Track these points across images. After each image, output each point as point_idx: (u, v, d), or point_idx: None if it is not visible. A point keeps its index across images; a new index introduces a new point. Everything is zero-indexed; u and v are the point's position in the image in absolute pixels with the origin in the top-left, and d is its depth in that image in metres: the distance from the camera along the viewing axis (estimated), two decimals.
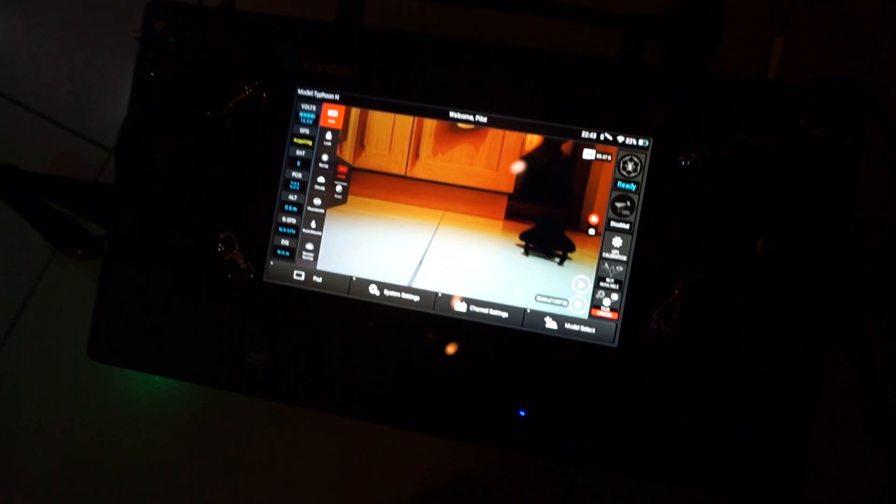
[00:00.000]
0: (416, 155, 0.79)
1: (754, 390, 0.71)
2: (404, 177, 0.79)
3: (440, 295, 0.79)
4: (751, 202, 0.72)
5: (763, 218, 0.72)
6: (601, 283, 0.79)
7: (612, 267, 0.78)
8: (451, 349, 0.77)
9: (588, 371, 0.76)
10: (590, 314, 0.79)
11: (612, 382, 0.75)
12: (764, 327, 0.72)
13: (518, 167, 0.78)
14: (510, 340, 0.78)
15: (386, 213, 0.78)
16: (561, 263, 0.80)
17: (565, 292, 0.79)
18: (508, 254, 0.79)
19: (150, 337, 0.78)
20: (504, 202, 0.79)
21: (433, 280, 0.80)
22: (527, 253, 0.79)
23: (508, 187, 0.80)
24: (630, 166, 0.79)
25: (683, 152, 0.75)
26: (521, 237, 0.79)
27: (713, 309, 0.74)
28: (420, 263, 0.79)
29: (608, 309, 0.79)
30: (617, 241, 0.78)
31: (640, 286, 0.77)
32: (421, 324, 0.78)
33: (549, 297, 0.80)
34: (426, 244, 0.78)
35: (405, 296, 0.80)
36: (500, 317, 0.80)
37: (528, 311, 0.79)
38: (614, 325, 0.78)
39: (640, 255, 0.77)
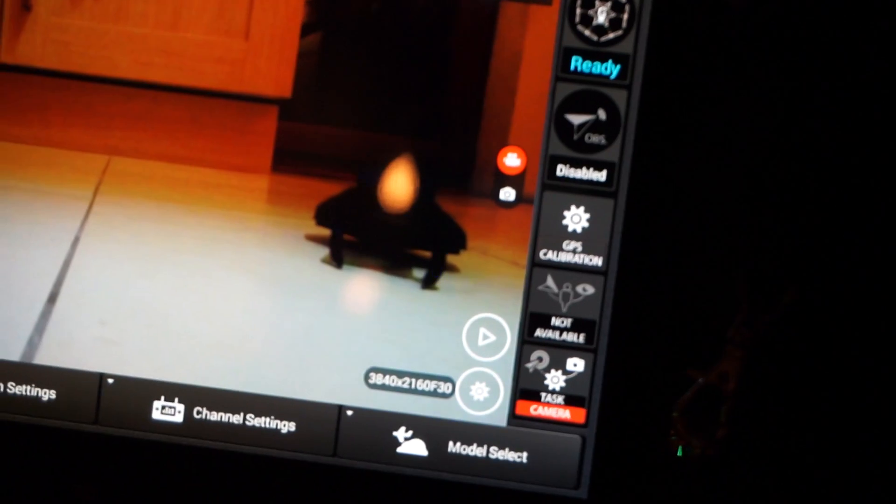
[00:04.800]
0: (25, 4, 0.42)
1: None
2: None
3: (110, 382, 0.42)
4: None
5: None
6: (538, 334, 0.41)
7: (567, 288, 0.41)
8: None
9: None
10: (513, 415, 0.42)
11: None
12: None
13: (307, 34, 0.42)
14: (304, 492, 0.43)
15: None
16: (430, 283, 0.42)
17: (446, 362, 0.42)
18: (288, 265, 0.42)
19: None
20: (271, 125, 0.42)
21: (87, 347, 0.43)
22: (338, 259, 0.42)
23: (280, 86, 0.42)
24: (603, 13, 0.40)
25: None
26: (321, 216, 0.42)
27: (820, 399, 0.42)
28: (50, 304, 0.43)
29: (559, 401, 0.41)
30: (575, 218, 0.40)
31: (638, 342, 0.42)
32: (61, 458, 0.44)
33: (402, 374, 0.42)
34: (65, 251, 0.42)
35: (19, 389, 0.43)
36: (278, 431, 0.42)
37: (350, 412, 0.42)
38: (578, 440, 0.41)
39: (635, 257, 0.41)
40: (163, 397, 0.40)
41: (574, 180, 0.39)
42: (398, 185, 0.40)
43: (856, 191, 0.40)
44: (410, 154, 0.40)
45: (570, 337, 0.39)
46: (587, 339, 0.39)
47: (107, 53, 0.41)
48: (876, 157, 0.40)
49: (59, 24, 0.41)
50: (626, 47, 0.38)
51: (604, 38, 0.38)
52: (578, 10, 0.38)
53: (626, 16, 0.38)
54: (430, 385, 0.40)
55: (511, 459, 0.41)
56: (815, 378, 0.41)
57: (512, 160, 0.40)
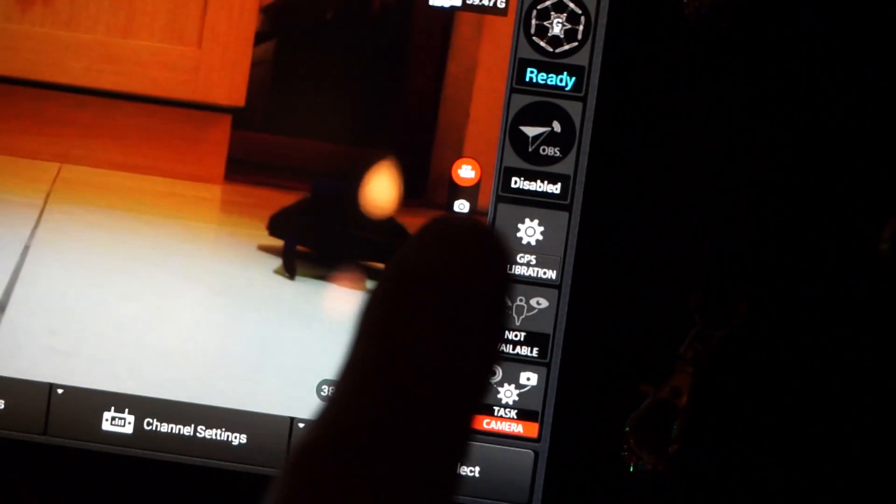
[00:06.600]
0: None
1: None
2: None
3: (59, 393, 0.40)
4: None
5: None
6: None
7: (520, 301, 0.40)
8: None
9: None
10: None
11: None
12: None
13: (260, 43, 0.41)
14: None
15: None
16: None
17: None
18: (241, 276, 0.41)
19: None
20: (224, 134, 0.40)
21: (36, 357, 0.40)
22: (291, 270, 0.40)
23: (234, 94, 0.40)
24: (558, 24, 0.38)
25: None
26: (274, 226, 0.40)
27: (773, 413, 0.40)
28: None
29: (511, 415, 0.40)
30: (529, 231, 0.39)
31: (591, 356, 0.40)
32: (9, 469, 0.42)
33: None
34: (15, 260, 0.41)
35: None
36: (229, 443, 0.40)
37: (301, 424, 0.41)
38: (531, 455, 0.40)
39: (588, 270, 0.40)
40: (113, 408, 0.39)
41: (528, 192, 0.38)
42: (352, 195, 0.39)
43: (810, 206, 0.38)
44: (364, 165, 0.39)
45: (524, 350, 0.38)
46: (540, 353, 0.38)
47: (57, 60, 0.39)
48: (830, 171, 0.38)
49: (9, 30, 0.39)
50: (581, 59, 0.37)
51: (559, 50, 0.37)
52: (534, 22, 0.37)
53: (581, 27, 0.37)
54: None
55: (463, 473, 0.40)
56: (767, 394, 0.39)
57: (466, 172, 0.39)
